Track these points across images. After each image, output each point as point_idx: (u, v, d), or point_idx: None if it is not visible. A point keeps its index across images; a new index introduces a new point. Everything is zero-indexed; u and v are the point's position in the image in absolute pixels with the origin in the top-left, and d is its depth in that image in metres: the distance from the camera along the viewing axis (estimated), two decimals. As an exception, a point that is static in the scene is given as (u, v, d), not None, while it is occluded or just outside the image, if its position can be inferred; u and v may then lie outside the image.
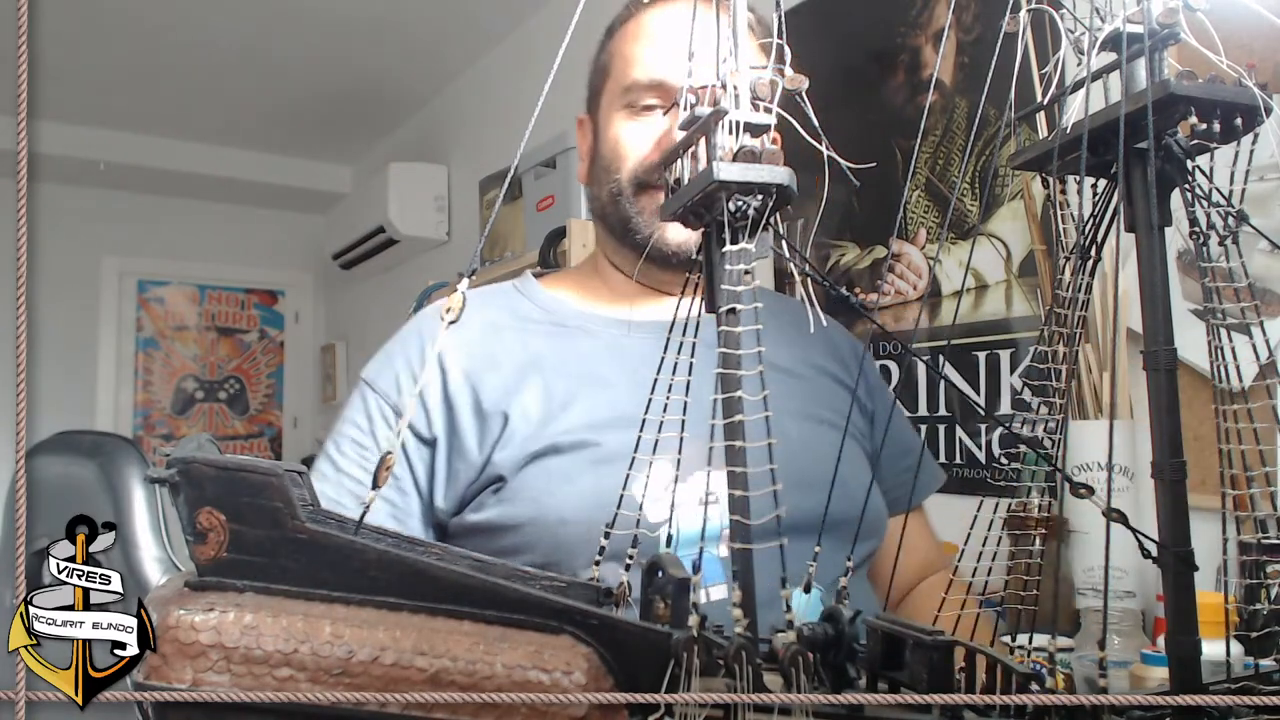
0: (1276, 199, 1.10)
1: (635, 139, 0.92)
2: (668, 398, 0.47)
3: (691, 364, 0.46)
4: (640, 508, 0.51)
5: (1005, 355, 1.46)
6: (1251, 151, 0.46)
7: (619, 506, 0.52)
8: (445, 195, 3.45)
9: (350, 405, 0.94)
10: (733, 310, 0.39)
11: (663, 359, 0.47)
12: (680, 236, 0.93)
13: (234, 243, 4.57)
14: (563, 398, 0.89)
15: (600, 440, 0.86)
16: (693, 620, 0.37)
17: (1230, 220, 0.47)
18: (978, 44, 1.52)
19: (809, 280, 0.53)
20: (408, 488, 0.89)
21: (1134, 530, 0.42)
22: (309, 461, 0.81)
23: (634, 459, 0.49)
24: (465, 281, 0.48)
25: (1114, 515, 0.42)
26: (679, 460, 0.46)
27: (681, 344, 0.45)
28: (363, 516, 0.41)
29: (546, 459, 0.86)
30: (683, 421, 0.47)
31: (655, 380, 0.48)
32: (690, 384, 0.47)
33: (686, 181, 0.43)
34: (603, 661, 0.37)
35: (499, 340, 0.93)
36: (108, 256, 4.30)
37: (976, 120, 1.43)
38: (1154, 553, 0.43)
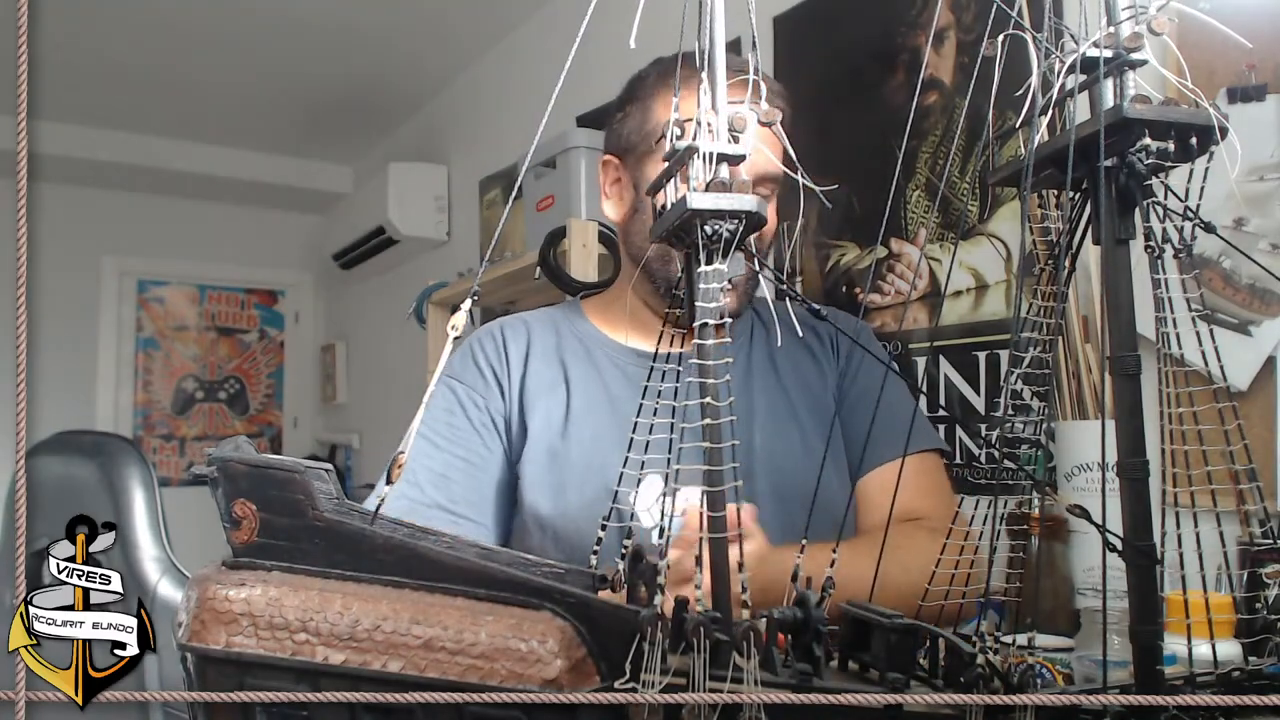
0: (1276, 199, 1.10)
1: None
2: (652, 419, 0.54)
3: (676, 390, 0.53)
4: (633, 516, 0.59)
5: (1005, 355, 1.46)
6: (1207, 169, 0.49)
7: (609, 517, 0.58)
8: (445, 195, 3.44)
9: (438, 396, 1.11)
10: (706, 325, 0.44)
11: (645, 386, 0.54)
12: (730, 305, 1.02)
13: (234, 243, 4.57)
14: (580, 411, 1.07)
15: (606, 455, 1.03)
16: (659, 600, 0.42)
17: (1187, 234, 0.49)
18: (978, 44, 1.52)
19: (786, 295, 0.58)
20: (495, 449, 1.07)
21: (1098, 525, 0.45)
22: (316, 458, 0.88)
23: (622, 474, 0.57)
24: (468, 301, 0.53)
25: (1077, 511, 0.47)
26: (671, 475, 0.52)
27: (665, 373, 0.53)
28: (378, 509, 0.47)
29: (560, 465, 1.04)
30: (676, 439, 0.52)
31: (644, 405, 0.54)
32: (685, 408, 0.53)
33: (670, 207, 0.48)
34: (576, 634, 0.43)
35: (544, 358, 1.12)
36: (108, 256, 4.30)
37: (984, 121, 1.43)
38: (1118, 546, 0.46)
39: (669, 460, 0.47)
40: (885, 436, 1.09)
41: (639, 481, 0.58)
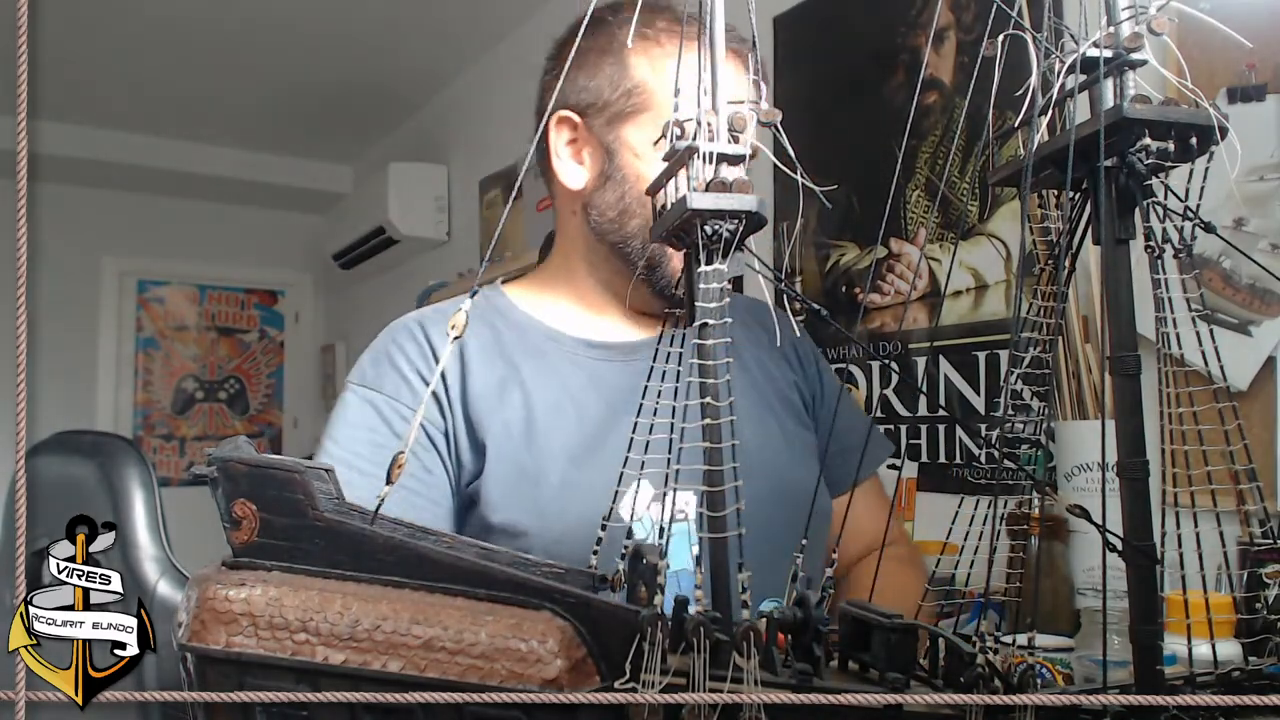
0: (1276, 199, 1.10)
1: None
2: (642, 420, 0.53)
3: (676, 389, 0.51)
4: (630, 531, 0.57)
5: (1005, 355, 1.46)
6: (1207, 169, 0.49)
7: (604, 528, 0.57)
8: (445, 195, 3.44)
9: (351, 411, 0.94)
10: (706, 325, 0.44)
11: (646, 386, 0.53)
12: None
13: (234, 243, 4.57)
14: (544, 422, 0.92)
15: (581, 470, 0.89)
16: (658, 600, 0.43)
17: (1187, 233, 0.49)
18: (978, 44, 1.52)
19: (784, 295, 0.57)
20: (436, 470, 0.91)
21: (1098, 525, 0.46)
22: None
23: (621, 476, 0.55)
24: (468, 301, 0.53)
25: (1076, 511, 0.47)
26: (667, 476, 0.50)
27: (665, 372, 0.52)
28: (378, 509, 0.47)
29: (532, 483, 0.89)
30: (670, 444, 0.51)
31: (640, 406, 0.53)
32: (673, 409, 0.51)
33: (670, 207, 0.48)
34: (576, 634, 0.43)
35: (484, 357, 0.95)
36: (108, 256, 4.30)
37: (984, 121, 1.43)
38: (1119, 546, 0.46)
39: (667, 462, 0.47)
40: (855, 458, 1.09)
41: (634, 485, 0.57)
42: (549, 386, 0.95)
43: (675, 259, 0.94)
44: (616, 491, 0.57)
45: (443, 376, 0.93)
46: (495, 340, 0.96)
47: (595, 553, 0.57)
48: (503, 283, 1.07)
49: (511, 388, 0.93)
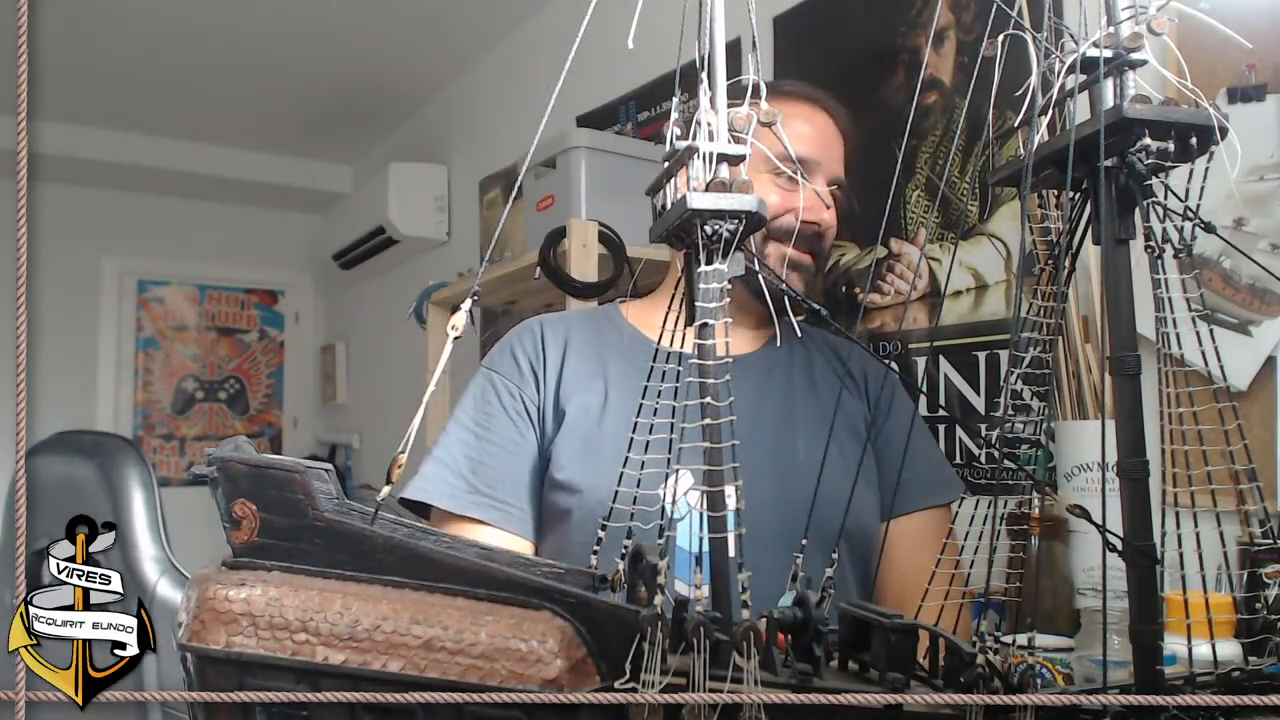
0: (1276, 199, 1.10)
1: (783, 201, 1.12)
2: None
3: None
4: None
5: (1005, 355, 1.46)
6: (1207, 169, 0.49)
7: (608, 516, 0.58)
8: (445, 195, 3.44)
9: (475, 383, 1.17)
10: (706, 325, 0.45)
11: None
12: (797, 286, 1.07)
13: (234, 243, 4.57)
14: (617, 404, 1.09)
15: (635, 451, 0.99)
16: (658, 600, 0.43)
17: (1187, 234, 0.49)
18: (978, 44, 1.52)
19: (785, 294, 0.58)
20: (529, 435, 1.10)
21: (1098, 525, 0.46)
22: (316, 458, 0.87)
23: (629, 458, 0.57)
24: (469, 302, 0.54)
25: (1077, 511, 0.47)
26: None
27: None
28: (377, 510, 0.47)
29: (593, 451, 1.06)
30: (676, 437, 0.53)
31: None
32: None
33: (669, 207, 0.48)
34: (576, 633, 0.43)
35: (582, 353, 1.15)
36: (108, 256, 4.30)
37: (984, 121, 1.43)
38: (1119, 546, 0.46)
39: (677, 454, 0.47)
40: (917, 484, 1.12)
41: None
42: (629, 380, 1.11)
43: (772, 259, 1.10)
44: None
45: (544, 362, 1.15)
46: (595, 340, 1.17)
47: (595, 552, 0.57)
48: (621, 302, 1.27)
49: (597, 378, 1.12)
